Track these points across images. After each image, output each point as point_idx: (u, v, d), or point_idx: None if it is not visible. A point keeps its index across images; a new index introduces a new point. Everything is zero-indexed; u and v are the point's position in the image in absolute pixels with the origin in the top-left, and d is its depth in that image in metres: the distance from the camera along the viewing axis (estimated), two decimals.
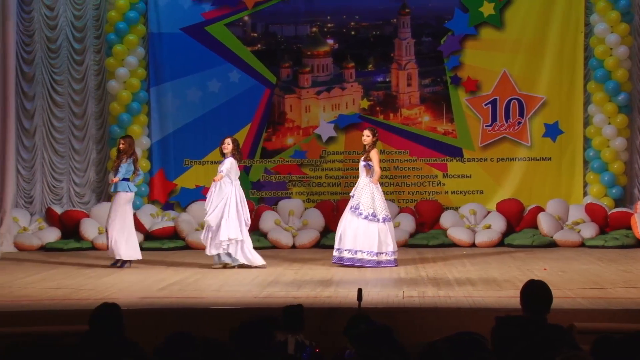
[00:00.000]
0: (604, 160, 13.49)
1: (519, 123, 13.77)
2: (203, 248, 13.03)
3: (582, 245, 12.94)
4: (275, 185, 14.02)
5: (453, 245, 13.14)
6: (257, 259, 10.92)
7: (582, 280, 9.71)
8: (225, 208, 10.83)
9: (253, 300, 8.57)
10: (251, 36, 14.09)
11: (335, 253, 11.06)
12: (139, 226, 13.31)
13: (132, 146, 11.35)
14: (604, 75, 13.40)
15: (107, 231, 11.11)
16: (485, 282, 9.65)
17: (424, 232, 13.48)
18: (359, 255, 10.86)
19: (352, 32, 14.12)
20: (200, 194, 13.87)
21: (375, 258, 10.84)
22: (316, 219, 13.54)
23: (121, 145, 11.29)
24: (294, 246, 13.25)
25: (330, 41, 14.08)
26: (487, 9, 13.67)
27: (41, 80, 13.85)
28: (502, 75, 13.76)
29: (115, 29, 13.70)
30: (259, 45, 14.10)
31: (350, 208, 11.03)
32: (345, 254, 10.96)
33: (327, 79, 14.04)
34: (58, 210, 13.66)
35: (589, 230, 13.05)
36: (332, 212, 13.64)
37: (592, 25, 13.51)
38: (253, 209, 13.70)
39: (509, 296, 8.20)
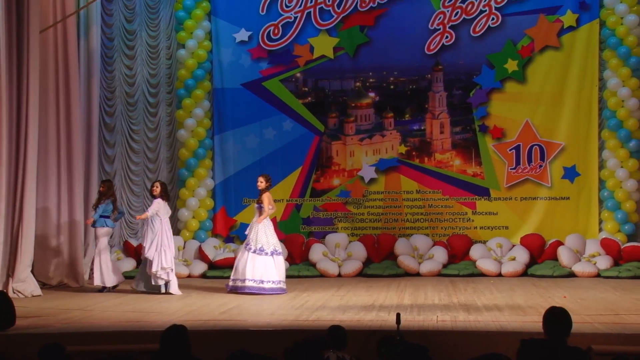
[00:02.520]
0: (617, 200, 13.32)
1: (540, 166, 13.65)
2: None
3: (598, 275, 12.74)
4: (323, 221, 14.01)
5: (482, 275, 13.01)
6: (175, 287, 11.17)
7: (599, 307, 9.55)
8: (158, 243, 11.11)
9: (304, 323, 8.53)
10: (302, 90, 14.18)
11: (230, 282, 11.20)
12: (203, 257, 13.42)
13: (111, 189, 11.75)
14: (617, 124, 13.28)
15: (94, 261, 11.54)
16: (511, 308, 9.53)
17: (455, 263, 13.37)
18: (247, 284, 10.95)
19: (391, 86, 14.14)
20: None
21: (259, 285, 10.91)
22: (359, 251, 13.48)
23: (101, 189, 11.72)
24: (339, 275, 13.20)
25: (371, 94, 14.12)
26: (511, 66, 13.63)
27: (120, 129, 14.05)
28: (525, 124, 13.68)
29: (185, 85, 13.90)
30: (309, 98, 14.17)
31: (245, 244, 11.21)
32: (238, 283, 11.06)
33: (369, 127, 14.06)
34: (134, 243, 13.77)
35: (604, 263, 12.85)
36: (374, 245, 13.59)
37: (605, 80, 13.42)
38: (303, 242, 13.73)
39: (533, 321, 8.09)
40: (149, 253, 11.10)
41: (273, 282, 11.00)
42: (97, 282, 11.44)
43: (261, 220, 11.12)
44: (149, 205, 11.60)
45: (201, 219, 13.93)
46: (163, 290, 11.14)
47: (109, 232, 11.73)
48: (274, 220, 13.89)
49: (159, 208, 11.26)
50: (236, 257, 11.44)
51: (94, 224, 11.55)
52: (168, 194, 11.63)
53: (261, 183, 11.38)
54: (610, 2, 13.28)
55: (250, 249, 11.07)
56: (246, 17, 13.99)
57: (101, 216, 11.49)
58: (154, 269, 11.06)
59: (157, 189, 11.41)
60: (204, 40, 13.97)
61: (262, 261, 10.99)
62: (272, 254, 11.05)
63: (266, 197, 11.22)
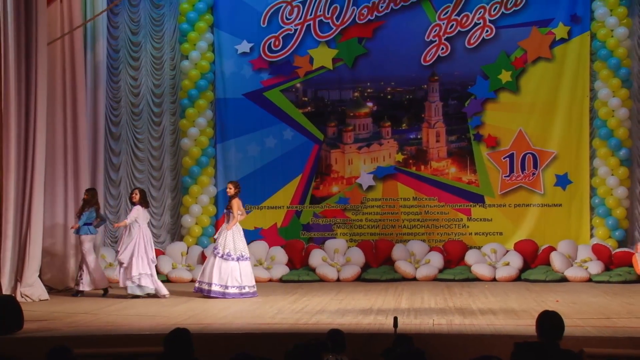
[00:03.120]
0: (608, 207, 13.33)
1: (534, 174, 13.67)
2: (262, 281, 13.11)
3: (589, 280, 12.74)
4: (323, 227, 14.01)
5: (476, 279, 13.00)
6: (162, 289, 11.22)
7: (590, 311, 9.55)
8: (134, 248, 11.13)
9: (303, 326, 8.53)
10: (302, 100, 14.20)
11: (196, 284, 11.26)
12: None
13: (94, 197, 11.78)
14: (607, 133, 13.30)
15: (82, 266, 11.51)
16: (505, 312, 9.52)
17: (451, 268, 13.36)
18: (213, 287, 10.99)
19: (389, 96, 14.16)
20: (258, 234, 13.93)
21: (224, 290, 10.95)
22: (357, 256, 13.48)
23: (85, 197, 11.75)
24: (338, 280, 13.19)
25: (369, 104, 14.13)
26: (505, 77, 13.65)
27: (126, 138, 14.06)
28: (519, 133, 13.69)
29: (188, 95, 13.91)
30: (309, 108, 14.19)
31: (213, 248, 11.25)
32: (204, 286, 11.10)
33: (367, 136, 14.07)
34: None
35: (595, 268, 12.85)
36: (372, 251, 13.59)
37: (596, 90, 13.44)
38: (303, 248, 13.73)
39: (526, 324, 8.09)
40: (122, 257, 11.14)
41: (237, 287, 11.04)
42: (86, 286, 11.42)
43: (230, 226, 11.16)
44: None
45: (204, 225, 13.93)
46: (138, 292, 11.15)
47: (93, 239, 11.77)
48: (274, 226, 13.96)
49: (138, 215, 11.29)
50: (205, 260, 11.47)
51: (77, 231, 11.57)
52: (147, 201, 11.67)
53: (230, 189, 11.43)
54: (601, 15, 13.31)
55: (217, 253, 11.12)
56: (248, 29, 14.01)
57: (85, 223, 11.54)
58: (134, 273, 11.08)
59: (137, 196, 11.45)
60: (207, 51, 13.99)
61: (228, 266, 11.03)
62: (238, 259, 11.09)
63: (235, 203, 11.25)
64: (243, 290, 11.05)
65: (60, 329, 8.53)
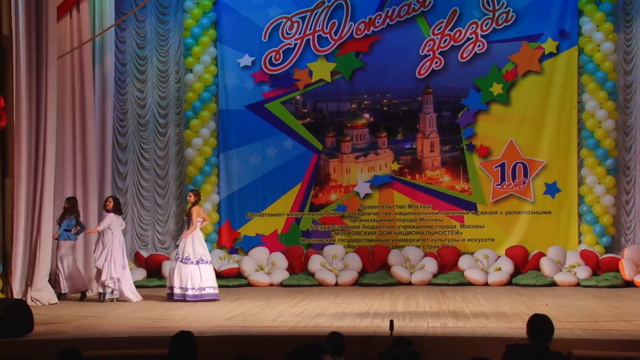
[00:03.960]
0: (595, 214, 13.34)
1: (524, 183, 13.68)
2: (263, 286, 13.12)
3: (577, 285, 12.73)
4: (321, 234, 14.01)
5: (469, 284, 13.00)
6: (134, 296, 11.25)
7: (579, 314, 9.55)
8: (107, 254, 11.18)
9: (303, 329, 8.51)
10: (302, 111, 14.21)
11: (167, 290, 11.30)
12: None
13: (75, 206, 11.76)
14: (594, 144, 13.31)
15: (57, 270, 11.56)
16: (497, 315, 9.52)
17: (444, 273, 13.35)
18: (175, 291, 11.06)
19: (385, 108, 14.18)
20: (259, 240, 13.94)
21: (184, 292, 11.01)
22: (355, 261, 13.48)
23: (66, 205, 11.75)
24: (336, 284, 13.18)
25: (366, 115, 14.15)
26: (496, 89, 13.68)
27: (132, 148, 14.07)
28: (509, 143, 13.71)
29: (192, 106, 13.93)
30: (308, 119, 14.20)
31: (175, 254, 11.35)
32: (167, 290, 11.21)
33: (364, 146, 14.09)
34: (144, 254, 13.77)
35: (583, 273, 12.85)
36: (368, 256, 13.58)
37: (584, 102, 13.46)
38: (302, 253, 13.72)
39: (517, 327, 8.08)
40: (98, 263, 11.22)
41: (197, 289, 11.08)
42: (64, 289, 11.48)
43: (188, 234, 11.26)
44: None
45: (207, 231, 13.89)
46: (109, 297, 11.20)
47: (71, 245, 11.77)
48: (275, 232, 13.96)
49: (111, 222, 11.36)
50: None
51: (58, 238, 11.58)
52: (120, 209, 11.72)
53: (190, 198, 11.55)
54: (588, 30, 13.35)
55: (178, 258, 11.21)
56: (249, 43, 14.04)
57: (65, 230, 11.58)
58: (103, 278, 11.17)
59: (110, 204, 11.51)
60: (210, 65, 14.01)
61: (188, 270, 11.08)
62: (197, 262, 11.13)
63: (194, 211, 11.34)
64: (203, 292, 11.10)
65: (68, 332, 8.51)
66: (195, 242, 11.20)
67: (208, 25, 13.99)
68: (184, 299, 10.97)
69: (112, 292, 11.21)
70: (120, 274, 11.23)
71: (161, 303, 11.02)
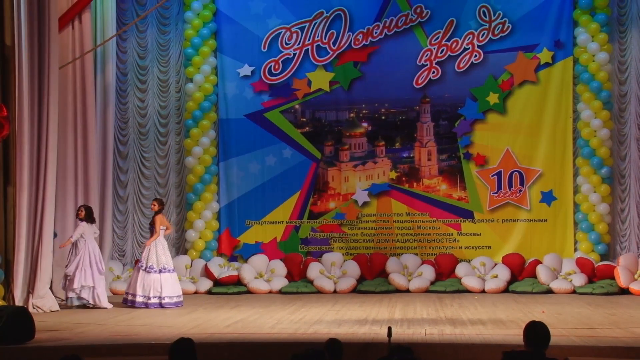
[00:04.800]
0: (591, 222, 13.34)
1: (520, 191, 13.69)
2: (262, 293, 13.10)
3: (573, 292, 12.72)
4: (320, 241, 14.00)
5: (466, 291, 12.98)
6: (105, 302, 11.28)
7: (575, 321, 9.54)
8: (79, 262, 11.22)
9: (302, 336, 8.50)
10: (301, 120, 14.23)
11: (124, 296, 11.43)
12: (208, 274, 13.39)
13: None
14: (590, 153, 13.33)
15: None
16: (494, 322, 9.52)
17: (442, 281, 13.34)
18: (137, 299, 11.16)
19: (383, 117, 14.20)
20: (259, 248, 13.93)
21: (146, 301, 11.12)
22: (353, 269, 13.46)
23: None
24: (335, 291, 13.16)
25: (364, 124, 14.17)
26: (493, 99, 13.70)
27: (133, 157, 14.06)
28: (506, 152, 13.73)
29: (193, 115, 13.94)
30: (307, 128, 14.21)
31: (138, 262, 11.42)
32: (129, 297, 11.29)
33: (362, 154, 14.10)
34: None
35: (579, 280, 12.84)
36: (367, 264, 13.58)
37: (579, 112, 13.49)
38: (301, 261, 13.71)
39: (514, 334, 8.08)
40: (69, 270, 11.26)
41: (159, 297, 11.18)
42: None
43: (150, 242, 11.37)
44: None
45: (207, 239, 13.92)
46: (76, 302, 11.24)
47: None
48: (274, 240, 13.95)
49: (84, 231, 11.39)
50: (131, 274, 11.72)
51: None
52: (93, 217, 11.67)
53: (154, 206, 11.66)
54: (583, 41, 13.38)
55: (141, 266, 11.29)
56: (249, 53, 14.06)
57: None
58: (75, 286, 11.20)
59: (82, 213, 11.53)
60: (210, 74, 14.03)
61: (151, 278, 11.18)
62: (160, 271, 11.22)
63: (158, 220, 11.43)
64: (163, 301, 11.20)
65: (70, 339, 8.50)
66: (158, 251, 11.33)
67: (208, 36, 14.02)
68: (146, 306, 11.10)
69: (80, 299, 11.22)
70: (96, 281, 11.27)
71: (161, 310, 11.01)
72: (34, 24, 10.79)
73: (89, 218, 11.51)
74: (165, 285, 11.23)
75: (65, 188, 12.32)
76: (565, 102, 13.59)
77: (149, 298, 11.14)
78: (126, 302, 11.31)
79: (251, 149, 14.04)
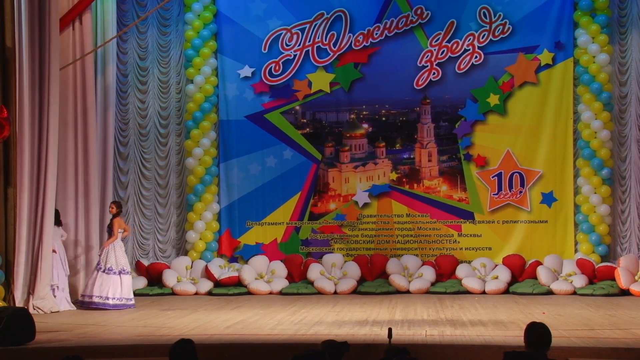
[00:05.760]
0: (591, 223, 13.34)
1: (521, 192, 13.69)
2: (262, 294, 13.10)
3: (574, 293, 12.72)
4: (320, 242, 14.01)
5: (467, 292, 12.98)
6: (68, 305, 11.31)
7: (575, 322, 9.54)
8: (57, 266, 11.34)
9: (302, 337, 8.49)
10: (301, 122, 14.23)
11: (79, 297, 11.50)
12: (209, 276, 13.39)
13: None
14: (590, 154, 13.33)
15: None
16: (494, 323, 9.51)
17: (442, 282, 13.34)
18: (94, 299, 11.22)
19: (383, 118, 14.20)
20: (259, 249, 13.93)
21: (104, 301, 11.18)
22: (354, 270, 13.46)
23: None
24: (335, 292, 13.16)
25: (365, 125, 14.17)
26: (493, 100, 13.71)
27: (133, 158, 14.06)
28: (506, 153, 13.73)
29: (193, 117, 13.95)
30: (308, 129, 14.22)
31: (97, 264, 11.49)
32: (86, 299, 11.33)
33: (362, 155, 14.10)
34: (145, 262, 13.75)
35: (579, 281, 12.84)
36: (367, 265, 13.57)
37: (579, 113, 13.49)
38: (302, 262, 13.71)
39: (515, 335, 8.07)
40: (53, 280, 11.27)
41: (117, 298, 11.28)
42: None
43: (108, 243, 11.46)
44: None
45: (207, 240, 13.92)
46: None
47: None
48: (274, 241, 13.95)
49: (55, 234, 11.39)
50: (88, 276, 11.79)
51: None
52: (59, 220, 11.67)
53: (112, 209, 11.76)
54: (583, 42, 13.39)
55: (100, 268, 11.37)
56: (249, 55, 14.07)
57: None
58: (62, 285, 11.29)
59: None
60: (211, 76, 14.03)
61: (110, 280, 11.27)
62: (119, 273, 11.34)
63: (116, 222, 11.54)
64: (121, 302, 11.29)
65: (70, 340, 8.50)
66: (117, 253, 11.42)
67: (208, 37, 14.02)
68: (104, 307, 11.15)
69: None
70: (62, 283, 11.30)
71: (162, 311, 11.01)
72: (34, 25, 10.80)
73: (56, 221, 11.50)
74: (125, 287, 11.37)
75: (66, 189, 12.33)
76: (565, 103, 13.59)
77: (107, 299, 11.23)
78: (83, 304, 11.35)
79: (252, 150, 14.05)
